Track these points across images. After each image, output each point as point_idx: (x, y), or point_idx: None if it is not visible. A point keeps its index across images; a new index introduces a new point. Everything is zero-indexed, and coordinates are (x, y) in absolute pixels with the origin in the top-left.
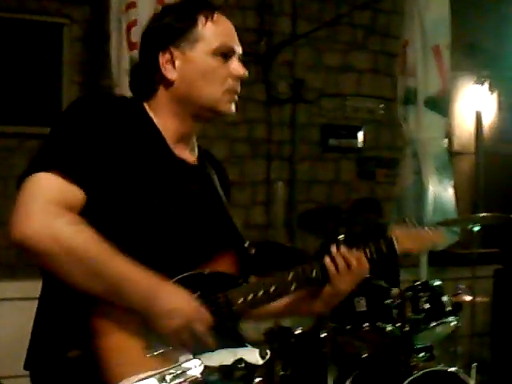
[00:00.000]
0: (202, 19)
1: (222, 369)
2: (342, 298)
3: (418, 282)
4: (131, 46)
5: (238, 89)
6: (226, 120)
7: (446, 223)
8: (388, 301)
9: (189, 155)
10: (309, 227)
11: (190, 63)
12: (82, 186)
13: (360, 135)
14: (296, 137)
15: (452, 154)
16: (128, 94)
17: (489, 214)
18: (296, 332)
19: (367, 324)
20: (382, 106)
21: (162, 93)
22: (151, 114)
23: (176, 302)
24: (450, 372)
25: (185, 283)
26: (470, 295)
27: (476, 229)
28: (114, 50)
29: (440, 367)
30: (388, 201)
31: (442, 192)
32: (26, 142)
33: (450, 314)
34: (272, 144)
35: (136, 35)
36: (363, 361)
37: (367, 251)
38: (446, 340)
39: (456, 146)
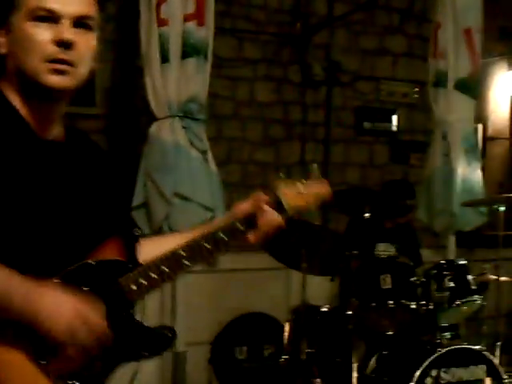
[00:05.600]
0: None
1: None
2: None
3: (443, 261)
4: (160, 22)
5: (64, 56)
6: (260, 101)
7: (471, 203)
8: (413, 279)
9: (57, 135)
10: (339, 207)
11: (11, 33)
12: None
13: (394, 119)
14: (331, 119)
15: (487, 138)
16: (158, 73)
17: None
18: (322, 309)
19: (392, 302)
20: (416, 89)
21: (8, 71)
22: (7, 94)
23: (55, 307)
24: (475, 350)
25: (71, 277)
26: (496, 275)
27: (501, 209)
28: (143, 28)
29: (465, 345)
30: (420, 184)
31: (470, 174)
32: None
33: (474, 292)
34: (307, 126)
35: (166, 12)
36: (388, 338)
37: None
38: (471, 319)
39: (490, 131)
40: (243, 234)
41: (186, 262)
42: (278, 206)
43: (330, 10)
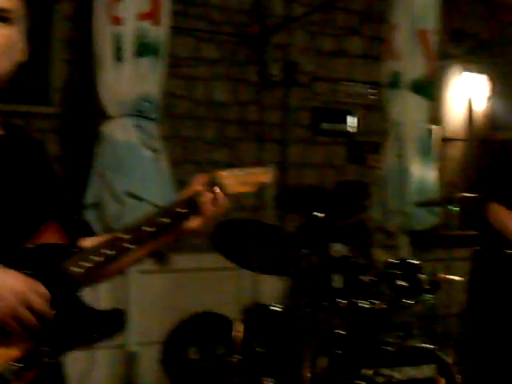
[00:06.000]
0: None
1: None
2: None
3: (395, 260)
4: (114, 20)
5: None
6: (217, 101)
7: (423, 203)
8: (365, 278)
9: None
10: (292, 206)
11: None
12: None
13: (351, 120)
14: (288, 120)
15: (443, 140)
16: (111, 72)
17: (464, 194)
18: (274, 309)
19: (344, 301)
20: (373, 91)
21: None
22: None
23: (4, 281)
24: (427, 349)
25: (11, 261)
26: (448, 275)
27: (455, 210)
28: (97, 26)
29: (417, 344)
30: (377, 185)
31: (424, 174)
32: (14, 120)
33: (426, 292)
34: (264, 126)
35: (120, 10)
36: (340, 337)
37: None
38: (423, 318)
39: (447, 133)
40: (184, 217)
41: (128, 245)
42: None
43: (288, 11)
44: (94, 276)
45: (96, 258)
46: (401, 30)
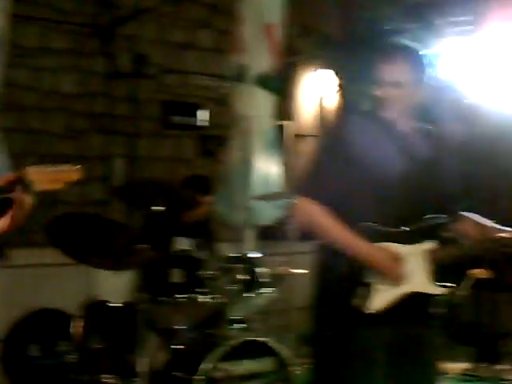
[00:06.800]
0: None
1: None
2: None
3: (235, 254)
4: None
5: None
6: (64, 92)
7: (262, 197)
8: (205, 272)
9: None
10: (129, 200)
11: None
12: None
13: (201, 113)
14: (137, 112)
15: (295, 136)
16: None
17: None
18: (113, 305)
19: (183, 296)
20: (223, 84)
21: None
22: None
23: None
24: (264, 342)
25: None
26: (290, 268)
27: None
28: None
29: (253, 337)
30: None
31: (268, 168)
32: None
33: (266, 285)
34: (112, 119)
35: None
36: (180, 332)
37: None
38: (264, 312)
39: (298, 129)
40: None
41: None
42: (25, 187)
43: (139, 2)
44: None
45: None
46: (247, 23)
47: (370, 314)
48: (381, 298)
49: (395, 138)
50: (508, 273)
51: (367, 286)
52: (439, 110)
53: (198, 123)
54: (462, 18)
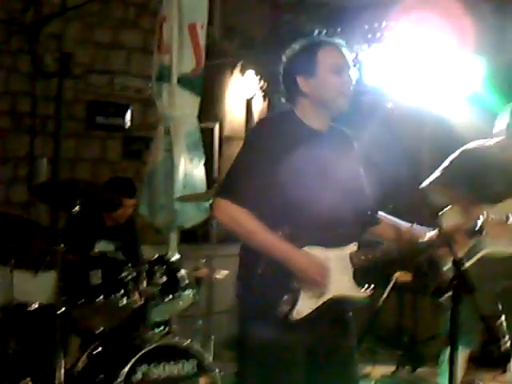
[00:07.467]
0: None
1: None
2: None
3: (155, 257)
4: None
5: None
6: None
7: (182, 199)
8: (123, 274)
9: None
10: (49, 200)
11: None
12: None
13: (127, 114)
14: (61, 112)
15: (223, 138)
16: None
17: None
18: (30, 307)
19: (102, 298)
20: (149, 85)
21: None
22: None
23: None
24: (184, 345)
25: None
26: (211, 271)
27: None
28: None
29: (174, 341)
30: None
31: (192, 169)
32: None
33: (187, 288)
34: (36, 119)
35: None
36: (98, 335)
37: None
38: (186, 315)
39: (226, 132)
40: None
41: None
42: None
43: (64, 0)
44: None
45: None
46: (170, 23)
47: (292, 320)
48: (304, 304)
49: (311, 138)
50: (430, 276)
51: (291, 291)
52: (358, 113)
53: (124, 124)
54: (375, 25)
